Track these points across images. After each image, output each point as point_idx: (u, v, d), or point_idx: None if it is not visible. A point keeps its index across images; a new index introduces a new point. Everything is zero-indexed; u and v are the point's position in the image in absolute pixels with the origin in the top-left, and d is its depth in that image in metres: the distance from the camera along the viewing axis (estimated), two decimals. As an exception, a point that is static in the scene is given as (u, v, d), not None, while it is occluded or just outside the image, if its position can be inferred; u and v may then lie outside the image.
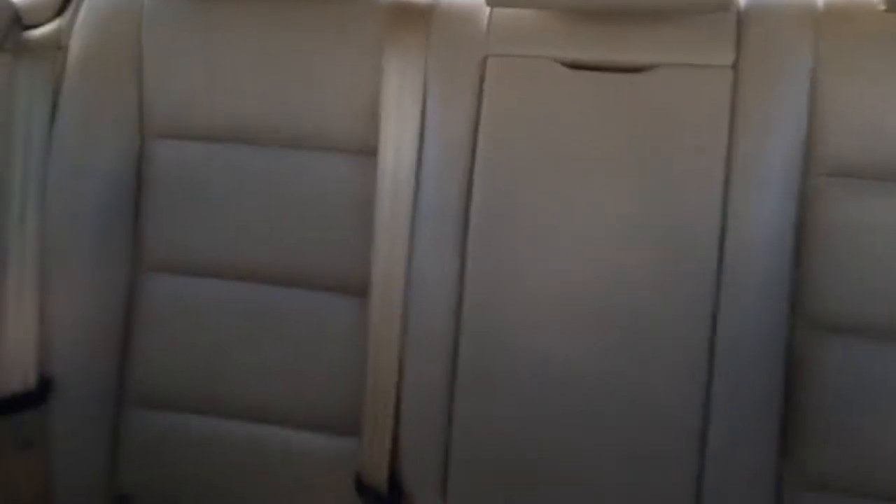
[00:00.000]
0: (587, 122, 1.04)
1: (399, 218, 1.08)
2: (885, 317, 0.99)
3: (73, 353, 1.15)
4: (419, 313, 1.07)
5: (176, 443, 1.16)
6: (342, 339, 1.11)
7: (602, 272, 1.03)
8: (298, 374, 1.12)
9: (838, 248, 1.00)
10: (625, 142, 1.03)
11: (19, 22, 1.16)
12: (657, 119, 1.02)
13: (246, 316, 1.14)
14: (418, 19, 1.10)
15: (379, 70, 1.09)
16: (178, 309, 1.15)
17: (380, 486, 1.09)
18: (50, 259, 1.14)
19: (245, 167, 1.13)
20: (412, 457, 1.09)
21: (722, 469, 1.01)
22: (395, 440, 1.08)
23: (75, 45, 1.16)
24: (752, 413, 1.01)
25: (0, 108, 1.15)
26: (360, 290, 1.10)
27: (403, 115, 1.08)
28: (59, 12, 1.18)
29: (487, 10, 1.08)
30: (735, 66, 1.02)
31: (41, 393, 1.14)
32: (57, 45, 1.16)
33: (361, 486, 1.10)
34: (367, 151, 1.09)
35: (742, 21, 1.03)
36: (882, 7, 1.01)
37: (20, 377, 1.13)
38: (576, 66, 1.05)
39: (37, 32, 1.17)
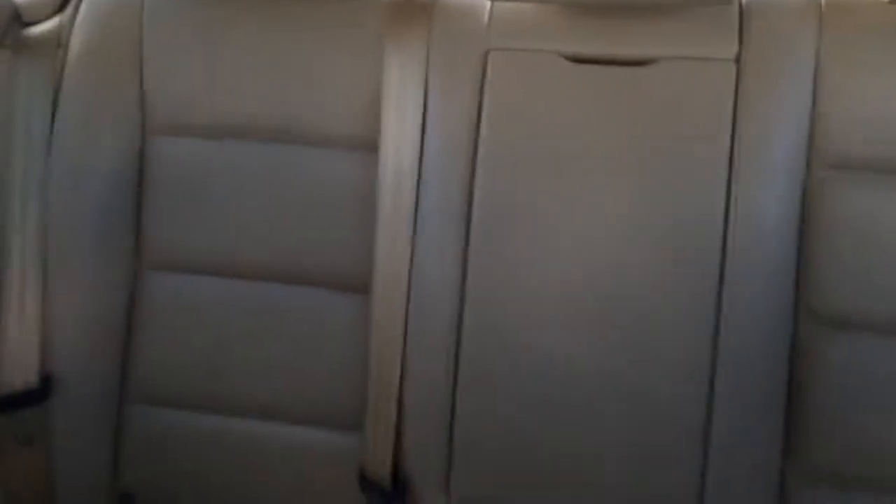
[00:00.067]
0: (589, 116, 1.04)
1: (401, 214, 1.07)
2: (891, 311, 0.99)
3: (75, 351, 1.15)
4: (421, 309, 1.07)
5: (178, 440, 1.15)
6: (344, 335, 1.11)
7: (605, 267, 1.02)
8: (300, 370, 1.12)
9: (843, 242, 0.99)
10: (628, 136, 1.03)
11: (19, 19, 1.15)
12: (660, 113, 1.02)
13: (247, 313, 1.13)
14: (419, 14, 1.09)
15: (380, 65, 1.09)
16: (179, 307, 1.15)
17: (383, 481, 1.08)
18: (51, 257, 1.14)
19: (246, 164, 1.13)
20: (415, 452, 1.08)
21: (726, 465, 1.01)
22: (398, 436, 1.08)
23: (75, 43, 1.15)
24: (756, 409, 1.00)
25: (0, 106, 1.14)
26: (361, 286, 1.10)
27: (405, 111, 1.08)
28: (60, 9, 1.17)
29: (488, 4, 1.08)
30: (738, 60, 1.01)
31: (43, 391, 1.13)
32: (57, 43, 1.16)
33: (365, 482, 1.09)
34: (369, 147, 1.09)
35: (745, 14, 1.03)
36: None
37: (22, 375, 1.13)
38: (578, 60, 1.05)
39: (37, 30, 1.16)
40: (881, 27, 1.00)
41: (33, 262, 1.13)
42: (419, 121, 1.07)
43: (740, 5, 1.03)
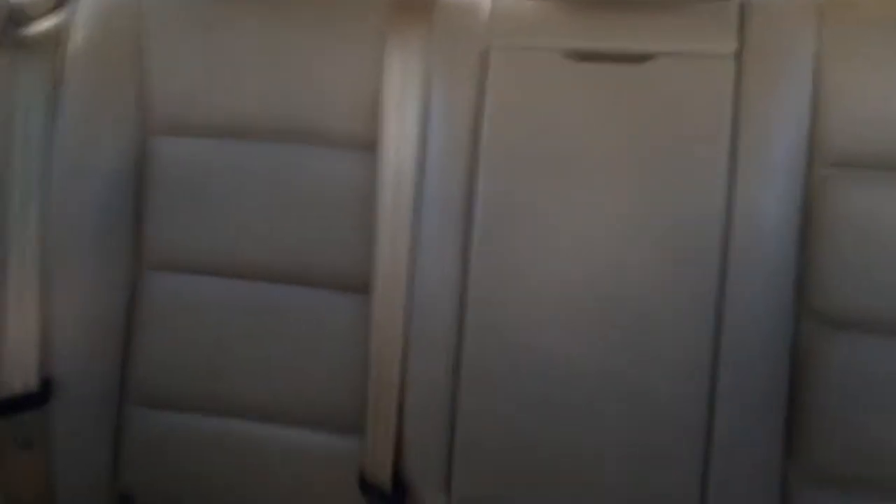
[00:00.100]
0: (590, 114, 1.03)
1: (401, 213, 1.07)
2: (893, 310, 0.98)
3: (74, 353, 1.15)
4: (422, 310, 1.07)
5: (178, 442, 1.15)
6: (344, 336, 1.11)
7: (606, 266, 1.02)
8: (300, 371, 1.12)
9: (844, 241, 0.99)
10: (628, 132, 1.02)
11: (17, 18, 1.15)
12: (660, 111, 1.02)
13: (247, 314, 1.13)
14: (420, 12, 1.09)
15: (380, 64, 1.08)
16: (179, 307, 1.15)
17: (384, 483, 1.08)
18: (50, 258, 1.13)
19: (246, 163, 1.12)
20: (416, 454, 1.08)
21: (726, 465, 1.00)
22: (399, 437, 1.08)
23: (74, 42, 1.15)
24: (757, 409, 1.00)
25: (-1, 105, 1.15)
26: (362, 286, 1.09)
27: (405, 109, 1.07)
28: (58, 8, 1.17)
29: (489, 1, 1.07)
30: (738, 55, 1.01)
31: (42, 393, 1.13)
32: (56, 42, 1.15)
33: (365, 484, 1.09)
34: (369, 146, 1.09)
35: (744, 9, 1.02)
36: None
37: (21, 378, 1.13)
38: (578, 56, 1.04)
39: (35, 29, 1.16)
40: (882, 22, 1.00)
41: (33, 262, 1.13)
42: (420, 119, 1.07)
43: (740, 1, 1.02)
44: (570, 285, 1.02)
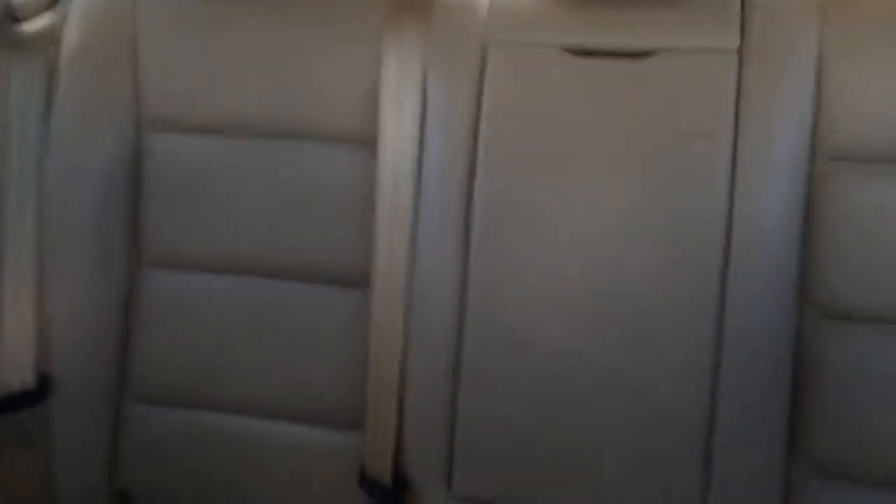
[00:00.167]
0: (590, 109, 1.03)
1: (400, 210, 1.07)
2: (894, 305, 0.98)
3: (72, 351, 1.14)
4: (421, 306, 1.06)
5: (177, 439, 1.15)
6: (343, 332, 1.10)
7: (606, 264, 1.01)
8: (299, 368, 1.11)
9: (847, 235, 0.98)
10: (629, 128, 1.02)
11: (12, 16, 1.14)
12: (661, 107, 1.01)
13: (246, 311, 1.13)
14: (418, 9, 1.08)
15: (379, 61, 1.08)
16: (177, 305, 1.14)
17: (384, 479, 1.08)
18: (47, 256, 1.13)
19: (243, 160, 1.12)
20: (416, 450, 1.08)
21: (728, 464, 1.00)
22: (399, 434, 1.08)
23: (69, 40, 1.14)
24: (759, 405, 1.00)
25: (-6, 104, 1.14)
26: (361, 283, 1.09)
27: (403, 106, 1.07)
28: (52, 6, 1.16)
29: None
30: (740, 51, 1.00)
31: (40, 391, 1.13)
32: (50, 40, 1.15)
33: (365, 481, 1.09)
34: (368, 143, 1.08)
35: (746, 4, 1.01)
36: None
37: (19, 376, 1.12)
38: (578, 52, 1.03)
39: (30, 27, 1.15)
40: (885, 18, 0.99)
41: (29, 260, 1.13)
42: (418, 116, 1.07)
43: None
44: (569, 282, 1.02)
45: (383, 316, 1.07)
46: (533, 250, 1.03)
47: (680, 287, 0.99)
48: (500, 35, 1.05)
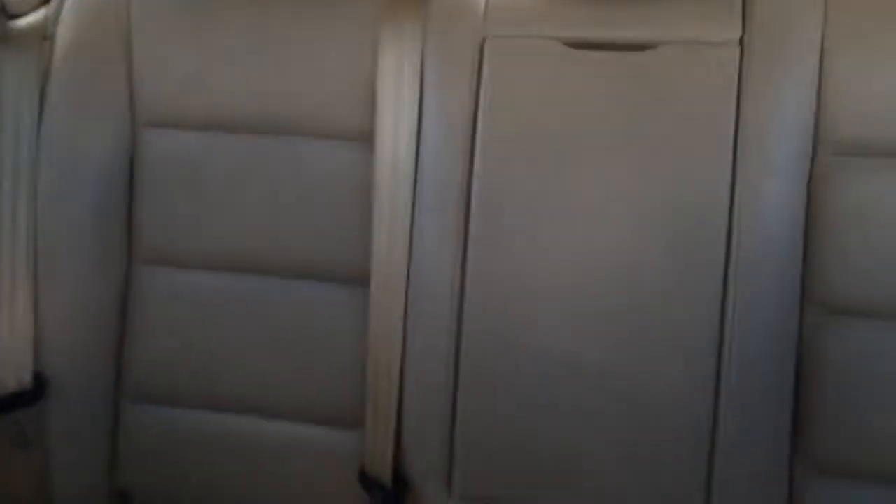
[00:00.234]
0: (590, 103, 1.02)
1: (398, 205, 1.06)
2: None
3: (69, 351, 1.14)
4: (421, 303, 1.06)
5: (175, 438, 1.15)
6: (342, 330, 1.10)
7: (607, 259, 1.00)
8: (298, 367, 1.11)
9: (850, 229, 0.97)
10: (629, 122, 1.00)
11: (4, 12, 1.13)
12: (662, 99, 1.00)
13: (244, 308, 1.12)
14: (414, 3, 1.07)
15: (376, 55, 1.07)
16: (174, 303, 1.14)
17: (384, 479, 1.07)
18: (42, 254, 1.12)
19: (240, 156, 1.11)
20: (416, 449, 1.07)
21: (731, 464, 0.99)
22: (399, 433, 1.07)
23: (62, 35, 1.14)
24: (763, 402, 0.99)
25: (-14, 101, 1.13)
26: (359, 280, 1.08)
27: (401, 101, 1.06)
28: (45, 1, 1.15)
29: None
30: (742, 42, 0.99)
31: (37, 391, 1.12)
32: (43, 35, 1.14)
33: (365, 479, 1.08)
34: (365, 138, 1.07)
35: None
36: None
37: (15, 376, 1.12)
38: (577, 45, 1.02)
39: (22, 22, 1.14)
40: (888, 8, 0.98)
41: (24, 258, 1.12)
42: (415, 111, 1.06)
43: None
44: (569, 280, 1.01)
45: (382, 313, 1.06)
46: (532, 246, 1.02)
47: (681, 285, 0.98)
48: (497, 29, 1.04)
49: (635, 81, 1.00)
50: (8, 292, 1.11)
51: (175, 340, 1.14)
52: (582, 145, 1.01)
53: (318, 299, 1.10)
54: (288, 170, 1.10)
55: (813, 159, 0.98)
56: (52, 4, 1.15)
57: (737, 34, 0.99)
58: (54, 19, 1.14)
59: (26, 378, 1.12)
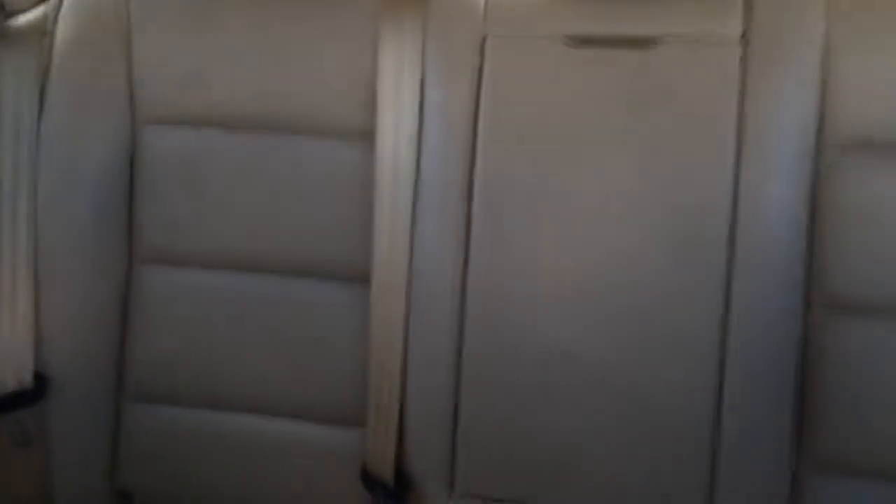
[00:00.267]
0: (591, 100, 1.01)
1: (399, 205, 1.05)
2: None
3: (70, 350, 1.13)
4: (422, 303, 1.05)
5: (176, 437, 1.14)
6: (344, 328, 1.09)
7: (609, 256, 1.00)
8: (299, 365, 1.11)
9: (854, 225, 0.97)
10: (631, 119, 1.00)
11: (2, 9, 1.13)
12: (664, 95, 1.00)
13: (245, 307, 1.12)
14: (415, 1, 1.07)
15: (376, 52, 1.06)
16: (175, 301, 1.14)
17: (385, 477, 1.07)
18: (42, 252, 1.12)
19: (240, 154, 1.11)
20: (417, 447, 1.07)
21: (733, 458, 0.99)
22: (401, 431, 1.07)
23: (61, 32, 1.13)
24: (766, 399, 0.99)
25: (-15, 99, 1.13)
26: (361, 277, 1.08)
27: (401, 99, 1.05)
28: (45, -1, 1.15)
29: None
30: (744, 38, 0.99)
31: (37, 390, 1.12)
32: (42, 32, 1.13)
33: (367, 478, 1.08)
34: (366, 136, 1.07)
35: None
36: None
37: (15, 375, 1.11)
38: (578, 41, 1.02)
39: (21, 19, 1.14)
40: (890, 6, 0.97)
41: (24, 257, 1.12)
42: (416, 109, 1.05)
43: None
44: (571, 277, 1.01)
45: (383, 312, 1.06)
46: (533, 246, 1.01)
47: (683, 282, 0.98)
48: (498, 27, 1.04)
49: (636, 80, 1.00)
50: (8, 292, 1.11)
51: (175, 340, 1.13)
52: (583, 144, 1.01)
53: (319, 299, 1.10)
54: (288, 169, 1.09)
55: (815, 158, 0.97)
56: (52, 2, 1.14)
57: (738, 30, 0.99)
58: (54, 17, 1.13)
59: (27, 378, 1.11)
